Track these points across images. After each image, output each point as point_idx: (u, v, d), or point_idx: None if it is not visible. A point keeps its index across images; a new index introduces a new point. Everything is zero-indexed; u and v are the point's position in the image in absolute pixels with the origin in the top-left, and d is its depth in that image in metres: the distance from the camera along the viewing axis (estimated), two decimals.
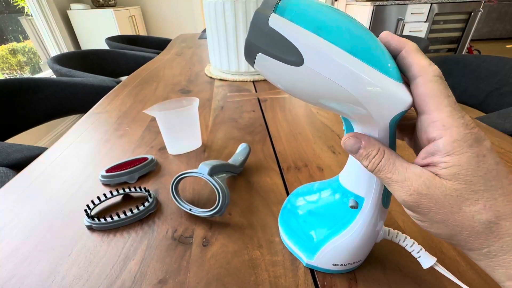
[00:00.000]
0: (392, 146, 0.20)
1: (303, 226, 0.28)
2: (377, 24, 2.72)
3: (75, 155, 0.50)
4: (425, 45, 1.25)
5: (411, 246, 0.24)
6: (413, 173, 0.17)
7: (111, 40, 1.82)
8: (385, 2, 2.63)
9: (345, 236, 0.24)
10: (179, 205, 0.36)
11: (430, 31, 2.76)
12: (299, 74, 0.17)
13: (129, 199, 0.39)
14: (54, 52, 2.30)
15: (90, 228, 0.34)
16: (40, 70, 2.27)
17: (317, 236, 0.26)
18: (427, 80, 0.16)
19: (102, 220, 0.33)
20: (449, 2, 2.60)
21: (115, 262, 0.30)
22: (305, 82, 0.18)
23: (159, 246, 0.31)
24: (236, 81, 0.87)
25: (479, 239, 0.16)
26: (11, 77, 1.18)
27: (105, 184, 0.42)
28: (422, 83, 0.17)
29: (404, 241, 0.25)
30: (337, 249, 0.25)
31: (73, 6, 2.44)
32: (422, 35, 2.73)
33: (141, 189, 0.38)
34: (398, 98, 0.17)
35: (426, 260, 0.23)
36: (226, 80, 0.88)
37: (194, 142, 0.51)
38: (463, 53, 2.87)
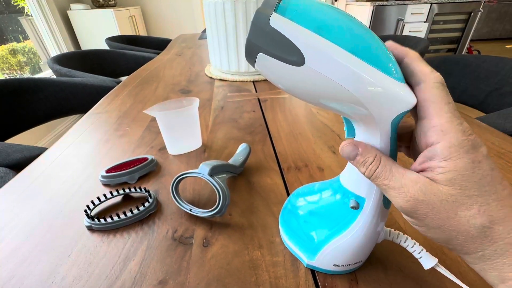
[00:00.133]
0: (393, 146, 0.20)
1: (303, 226, 0.27)
2: (377, 24, 2.72)
3: (75, 155, 0.50)
4: (425, 45, 1.25)
5: (412, 247, 0.24)
6: (409, 179, 0.17)
7: (111, 40, 1.82)
8: (385, 2, 2.64)
9: (346, 237, 0.24)
10: (179, 206, 0.35)
11: (430, 31, 2.76)
12: (300, 74, 0.17)
13: (129, 199, 0.39)
14: (54, 52, 2.30)
15: (90, 228, 0.34)
16: (40, 70, 2.27)
17: (318, 236, 0.26)
18: (429, 86, 0.17)
19: (102, 220, 0.33)
20: (449, 2, 2.61)
21: (115, 263, 0.30)
22: (306, 82, 0.18)
23: (159, 246, 0.31)
24: (236, 81, 0.87)
25: (474, 243, 0.16)
26: (11, 77, 1.18)
27: (105, 185, 0.42)
28: (424, 89, 0.17)
29: (405, 242, 0.25)
30: (338, 249, 0.25)
31: (73, 6, 2.44)
32: (422, 35, 2.73)
33: (141, 190, 0.38)
34: (400, 98, 0.17)
35: (427, 261, 0.23)
36: (226, 80, 0.88)
37: (194, 142, 0.51)
38: (463, 53, 2.87)
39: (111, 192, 0.38)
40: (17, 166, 0.60)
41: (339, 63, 0.16)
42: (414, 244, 0.24)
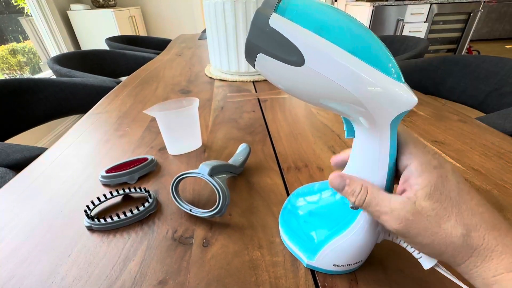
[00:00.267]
0: (393, 146, 0.20)
1: (303, 226, 0.27)
2: (376, 24, 2.73)
3: (75, 156, 0.50)
4: (424, 46, 1.25)
5: (411, 247, 0.24)
6: (397, 203, 0.19)
7: (111, 40, 1.82)
8: (384, 3, 2.64)
9: (346, 237, 0.24)
10: (179, 206, 0.35)
11: (430, 31, 2.76)
12: (299, 74, 0.17)
13: (129, 199, 0.39)
14: (54, 52, 2.30)
15: (90, 228, 0.34)
16: (40, 71, 2.27)
17: (318, 236, 0.26)
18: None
19: (102, 220, 0.33)
20: (449, 3, 2.61)
21: (115, 263, 0.30)
22: (305, 82, 0.18)
23: (159, 246, 0.31)
24: (236, 81, 0.87)
25: (461, 252, 0.17)
26: (11, 78, 1.18)
27: (105, 185, 0.42)
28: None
29: (404, 242, 0.25)
30: (338, 249, 0.25)
31: (73, 6, 2.44)
32: (421, 35, 2.73)
33: (141, 190, 0.38)
34: (399, 99, 0.17)
35: (427, 261, 0.23)
36: (226, 81, 0.88)
37: (194, 142, 0.51)
38: (462, 54, 2.87)
39: (111, 192, 0.38)
40: (17, 166, 0.60)
41: (339, 63, 0.17)
42: None
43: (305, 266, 0.28)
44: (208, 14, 0.83)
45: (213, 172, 0.35)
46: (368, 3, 2.69)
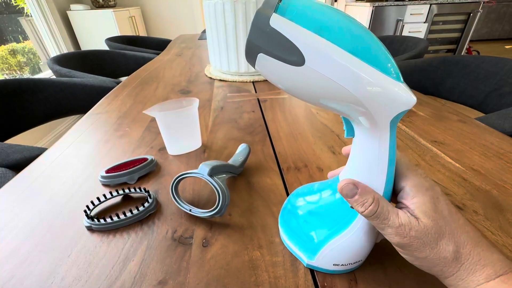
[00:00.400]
0: (392, 146, 0.20)
1: (303, 226, 0.27)
2: (376, 24, 2.73)
3: (75, 156, 0.50)
4: (424, 46, 1.25)
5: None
6: (403, 219, 0.20)
7: (111, 40, 1.82)
8: (384, 3, 2.64)
9: (346, 236, 0.24)
10: (179, 206, 0.35)
11: (429, 31, 2.77)
12: (300, 74, 0.18)
13: (129, 199, 0.39)
14: (54, 52, 2.30)
15: (89, 228, 0.34)
16: (40, 71, 2.27)
17: (318, 236, 0.26)
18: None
19: (102, 220, 0.33)
20: (448, 3, 2.61)
21: (114, 263, 0.30)
22: (306, 82, 0.18)
23: (159, 247, 0.31)
24: (236, 81, 0.87)
25: (450, 266, 0.19)
26: (11, 78, 1.18)
27: (105, 185, 0.42)
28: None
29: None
30: (338, 249, 0.25)
31: (72, 6, 2.44)
32: (421, 35, 2.73)
33: (141, 190, 0.38)
34: (399, 98, 0.17)
35: None
36: (226, 81, 0.88)
37: (194, 142, 0.51)
38: (462, 54, 2.87)
39: (110, 193, 0.38)
40: (17, 166, 0.60)
41: (339, 63, 0.17)
42: None
43: (305, 266, 0.28)
44: (208, 15, 0.83)
45: (213, 172, 0.35)
46: (368, 4, 2.69)
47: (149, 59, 1.42)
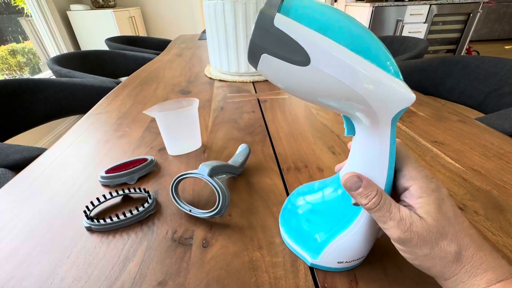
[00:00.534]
0: (392, 143, 0.21)
1: (305, 225, 0.27)
2: (376, 25, 2.73)
3: (75, 156, 0.50)
4: (424, 46, 1.25)
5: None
6: (405, 213, 0.20)
7: (110, 41, 1.82)
8: (384, 3, 2.64)
9: (350, 233, 0.24)
10: (179, 206, 0.35)
11: (429, 32, 2.77)
12: (305, 74, 0.17)
13: (129, 200, 0.39)
14: (53, 53, 2.30)
15: (89, 229, 0.34)
16: (40, 71, 2.27)
17: (321, 235, 0.26)
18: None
19: (102, 221, 0.33)
20: (448, 3, 2.61)
21: (114, 264, 0.29)
22: (310, 82, 0.18)
23: (159, 247, 0.31)
24: (236, 82, 0.87)
25: (451, 268, 0.19)
26: (11, 78, 1.18)
27: (105, 185, 0.42)
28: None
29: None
30: (342, 246, 0.25)
31: (72, 7, 2.44)
32: (421, 36, 2.73)
33: (140, 190, 0.38)
34: (401, 96, 0.18)
35: None
36: (226, 81, 0.88)
37: (194, 142, 0.51)
38: (462, 54, 2.88)
39: (110, 193, 0.38)
40: (17, 166, 0.60)
41: (344, 62, 0.17)
42: None
43: (309, 265, 0.28)
44: (208, 15, 0.83)
45: (212, 173, 0.35)
46: (368, 4, 2.70)
47: (149, 60, 1.42)
